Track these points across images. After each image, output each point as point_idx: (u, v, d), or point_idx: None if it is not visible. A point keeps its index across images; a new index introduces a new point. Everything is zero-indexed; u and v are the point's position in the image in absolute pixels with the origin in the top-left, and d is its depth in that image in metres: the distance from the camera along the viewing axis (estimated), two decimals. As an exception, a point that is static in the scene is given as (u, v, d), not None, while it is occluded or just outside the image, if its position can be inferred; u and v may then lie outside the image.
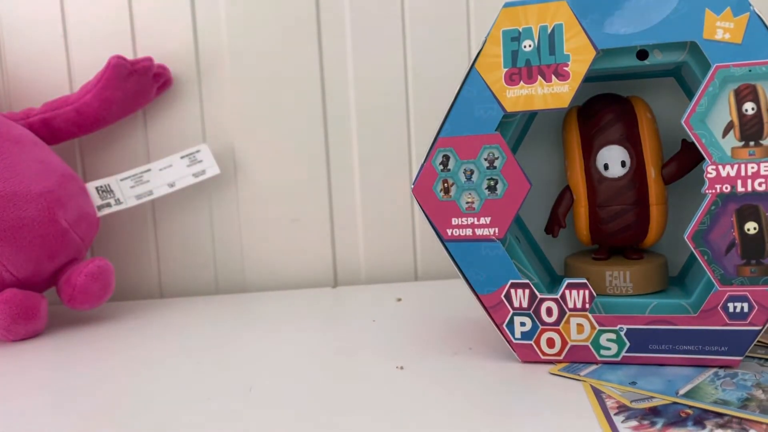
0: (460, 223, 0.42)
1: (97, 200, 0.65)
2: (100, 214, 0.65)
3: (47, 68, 0.70)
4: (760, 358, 0.41)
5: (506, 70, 0.40)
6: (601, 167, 0.44)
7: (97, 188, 0.65)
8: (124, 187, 0.65)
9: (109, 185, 0.65)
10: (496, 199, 0.41)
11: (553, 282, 0.48)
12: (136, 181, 0.65)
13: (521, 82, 0.40)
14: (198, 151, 0.68)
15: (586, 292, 0.41)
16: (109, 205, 0.64)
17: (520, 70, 0.40)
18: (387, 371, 0.43)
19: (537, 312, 0.42)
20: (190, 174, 0.67)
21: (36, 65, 0.70)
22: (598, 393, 0.37)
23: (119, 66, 0.64)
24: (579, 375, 0.40)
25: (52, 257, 0.59)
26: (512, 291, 0.42)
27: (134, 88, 0.66)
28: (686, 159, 0.43)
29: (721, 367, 0.40)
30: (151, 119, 0.71)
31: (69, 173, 0.62)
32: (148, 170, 0.67)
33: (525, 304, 0.42)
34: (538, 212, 0.49)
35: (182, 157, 0.67)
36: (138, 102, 0.68)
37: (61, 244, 0.59)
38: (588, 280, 0.41)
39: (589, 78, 0.44)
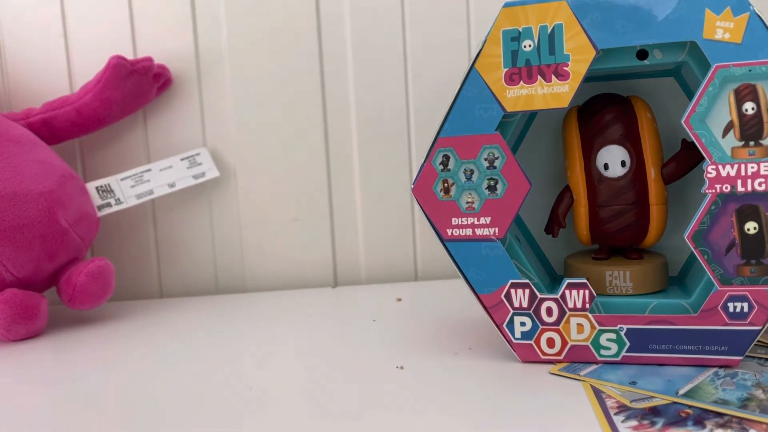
0: (460, 223, 0.42)
1: (97, 200, 0.65)
2: (100, 214, 0.65)
3: (47, 68, 0.70)
4: (760, 358, 0.41)
5: (506, 70, 0.40)
6: (601, 167, 0.44)
7: (97, 188, 0.65)
8: (125, 187, 0.65)
9: (109, 185, 0.65)
10: (496, 199, 0.41)
11: (553, 282, 0.48)
12: (136, 180, 0.66)
13: (521, 82, 0.40)
14: (198, 154, 0.68)
15: (586, 292, 0.41)
16: (109, 204, 0.64)
17: (520, 70, 0.40)
18: (387, 371, 0.43)
19: (537, 312, 0.42)
20: (190, 176, 0.68)
21: (36, 65, 0.70)
22: (598, 393, 0.37)
23: (119, 66, 0.64)
24: (579, 375, 0.40)
25: (52, 257, 0.59)
26: (512, 291, 0.42)
27: (134, 88, 0.66)
28: (686, 159, 0.43)
29: (721, 366, 0.40)
30: (151, 119, 0.71)
31: (69, 173, 0.62)
32: (149, 170, 0.67)
33: (525, 304, 0.42)
34: (538, 212, 0.49)
35: (182, 159, 0.68)
36: (138, 102, 0.68)
37: (62, 244, 0.59)
38: (588, 280, 0.41)
39: (589, 78, 0.44)
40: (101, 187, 0.65)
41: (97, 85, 0.65)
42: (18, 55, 0.70)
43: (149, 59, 0.67)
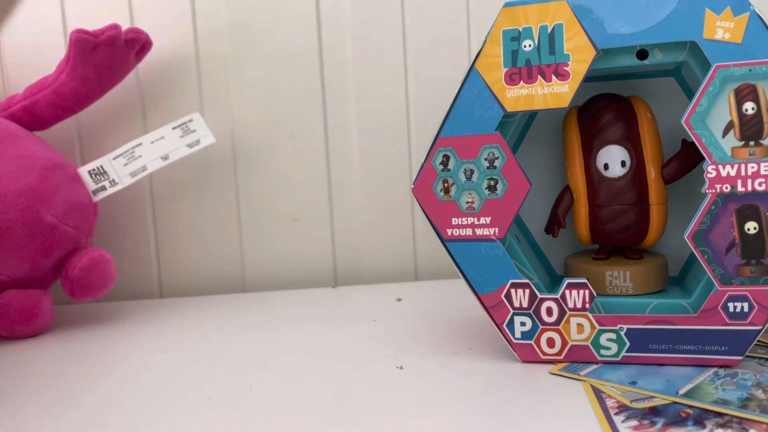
0: (460, 223, 0.42)
1: (91, 185, 0.62)
2: (96, 198, 0.62)
3: (47, 68, 0.70)
4: (760, 358, 0.41)
5: (506, 69, 0.40)
6: (601, 167, 0.44)
7: (89, 172, 0.62)
8: (118, 166, 0.62)
9: (101, 166, 0.62)
10: (496, 199, 0.41)
11: (553, 282, 0.48)
12: (128, 157, 0.62)
13: (521, 82, 0.40)
14: (191, 121, 0.65)
15: (586, 291, 0.41)
16: (104, 188, 0.62)
17: (520, 69, 0.40)
18: (387, 371, 0.43)
19: (537, 312, 0.42)
20: (184, 145, 0.64)
21: (35, 65, 0.70)
22: (598, 393, 0.37)
23: (81, 41, 0.60)
24: (579, 375, 0.40)
25: (46, 253, 0.58)
26: (512, 291, 0.42)
27: (106, 60, 0.62)
28: (686, 159, 0.43)
29: (721, 366, 0.40)
30: (150, 117, 0.71)
31: (53, 164, 0.60)
32: (140, 144, 0.64)
33: (525, 304, 0.42)
34: (538, 212, 0.49)
35: (174, 128, 0.64)
36: (117, 73, 0.64)
37: (53, 239, 0.58)
38: (588, 280, 0.41)
39: (589, 78, 0.44)
40: (94, 170, 0.62)
41: (67, 64, 0.62)
42: (17, 55, 0.70)
43: (114, 26, 0.62)
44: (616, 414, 0.34)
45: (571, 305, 0.41)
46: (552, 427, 0.34)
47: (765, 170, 0.37)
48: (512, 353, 0.44)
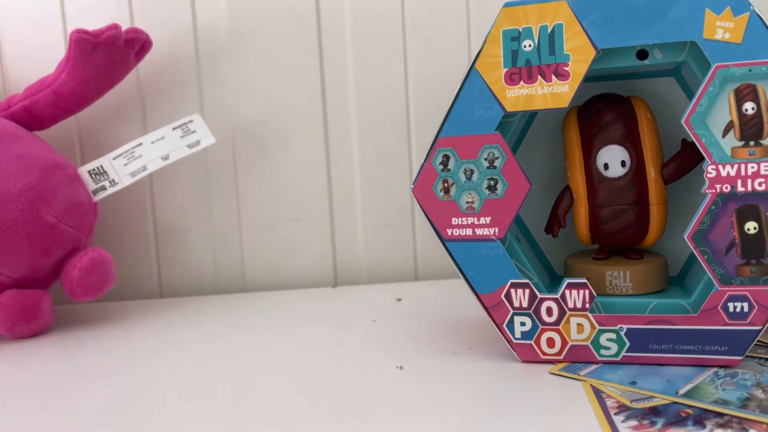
0: (460, 222, 0.42)
1: (91, 185, 0.62)
2: (96, 198, 0.62)
3: (47, 68, 0.70)
4: (760, 358, 0.41)
5: (506, 69, 0.40)
6: (601, 167, 0.44)
7: (89, 171, 0.62)
8: (118, 166, 0.62)
9: (101, 166, 0.62)
10: (496, 198, 0.41)
11: (553, 282, 0.48)
12: (128, 157, 0.63)
13: (521, 82, 0.40)
14: (191, 121, 0.65)
15: (586, 291, 0.41)
16: (104, 188, 0.62)
17: (520, 69, 0.40)
18: (387, 371, 0.43)
19: (537, 312, 0.42)
20: (184, 145, 0.64)
21: (35, 64, 0.70)
22: (598, 393, 0.37)
23: (81, 41, 0.60)
24: (579, 375, 0.40)
25: (46, 253, 0.58)
26: (512, 291, 0.42)
27: (106, 60, 0.62)
28: (686, 159, 0.43)
29: (721, 366, 0.40)
30: (150, 117, 0.71)
31: (53, 163, 0.60)
32: (140, 144, 0.64)
33: (525, 304, 0.42)
34: (538, 212, 0.49)
35: (174, 129, 0.64)
36: (116, 72, 0.64)
37: (53, 239, 0.58)
38: (588, 280, 0.41)
39: (589, 78, 0.44)
40: (94, 170, 0.62)
41: (67, 64, 0.62)
42: (17, 55, 0.70)
43: (114, 26, 0.62)
44: (616, 414, 0.34)
45: (571, 305, 0.41)
46: (552, 427, 0.34)
47: (765, 170, 0.37)
48: (512, 353, 0.44)
